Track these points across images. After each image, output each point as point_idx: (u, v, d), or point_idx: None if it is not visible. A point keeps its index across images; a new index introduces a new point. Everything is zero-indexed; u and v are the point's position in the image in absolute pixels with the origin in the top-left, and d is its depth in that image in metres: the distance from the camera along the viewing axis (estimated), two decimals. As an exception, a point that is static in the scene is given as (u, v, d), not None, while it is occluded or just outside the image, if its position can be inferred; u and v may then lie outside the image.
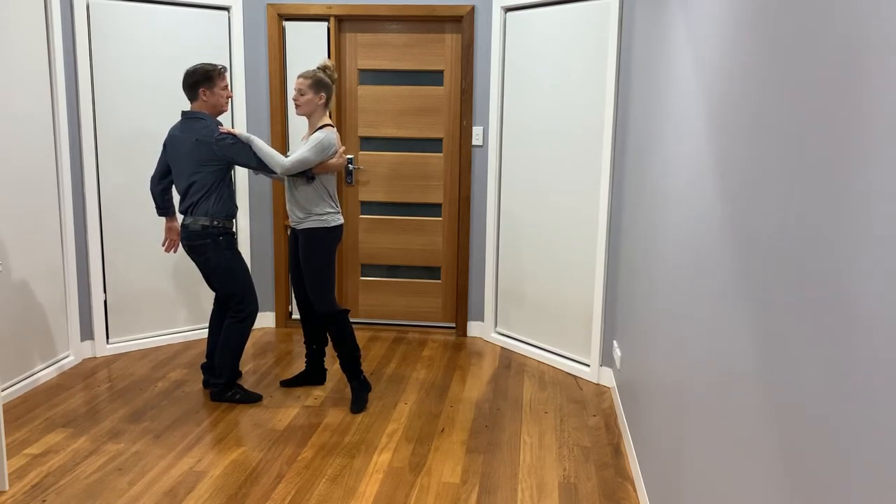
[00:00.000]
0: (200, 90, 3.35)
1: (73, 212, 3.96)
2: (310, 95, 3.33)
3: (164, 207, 3.60)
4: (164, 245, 3.69)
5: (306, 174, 3.33)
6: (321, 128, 3.36)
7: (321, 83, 3.34)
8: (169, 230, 3.66)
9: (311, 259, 3.39)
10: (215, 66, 3.39)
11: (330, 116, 4.49)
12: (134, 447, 3.08)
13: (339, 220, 3.45)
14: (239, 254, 3.52)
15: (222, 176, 3.40)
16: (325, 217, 3.38)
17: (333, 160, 3.35)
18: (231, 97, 3.49)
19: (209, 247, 3.40)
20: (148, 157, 4.17)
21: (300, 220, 3.39)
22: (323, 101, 3.36)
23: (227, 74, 3.42)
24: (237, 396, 3.56)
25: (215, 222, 3.39)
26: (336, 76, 3.43)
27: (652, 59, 2.95)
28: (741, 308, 1.55)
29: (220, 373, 3.54)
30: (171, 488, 2.76)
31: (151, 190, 3.57)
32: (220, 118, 3.50)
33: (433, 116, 4.53)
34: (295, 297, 3.66)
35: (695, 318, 1.99)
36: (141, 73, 4.09)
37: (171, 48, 4.15)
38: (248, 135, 3.35)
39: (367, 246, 4.73)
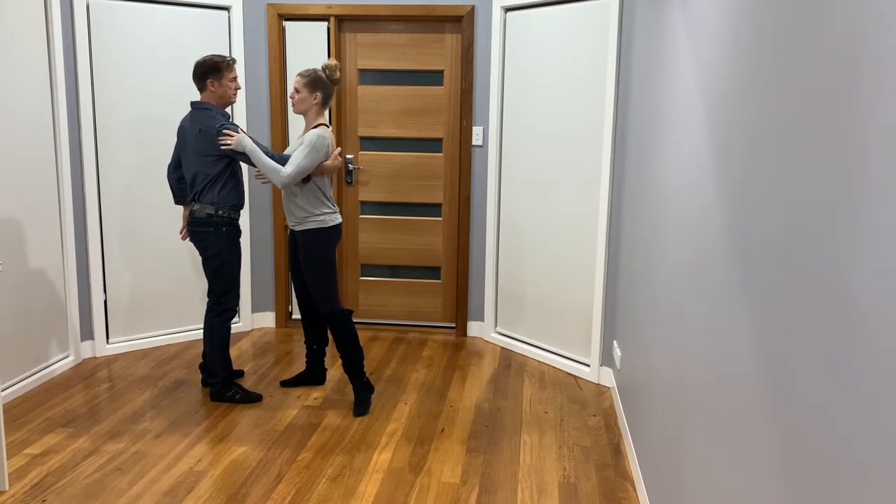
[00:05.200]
0: (209, 80, 3.40)
1: (73, 212, 3.96)
2: (304, 94, 3.32)
3: (179, 195, 3.64)
4: (180, 232, 3.71)
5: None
6: (315, 128, 3.35)
7: (317, 82, 3.32)
8: (185, 218, 3.69)
9: (311, 261, 3.38)
10: (224, 57, 3.44)
11: (330, 116, 4.50)
12: (134, 447, 3.08)
13: (337, 219, 3.43)
14: (238, 249, 3.53)
15: (226, 165, 3.42)
16: (321, 218, 3.36)
17: (328, 162, 3.33)
18: (239, 88, 3.52)
19: (210, 235, 3.44)
20: (148, 157, 4.17)
21: (297, 222, 3.38)
22: (318, 100, 3.33)
23: (236, 66, 3.46)
24: (237, 396, 3.57)
25: (220, 211, 3.43)
26: (338, 76, 3.37)
27: (652, 59, 2.95)
28: (741, 308, 1.55)
29: (215, 371, 3.56)
30: (171, 488, 2.76)
31: (168, 178, 3.62)
32: (227, 110, 3.54)
33: (433, 116, 4.53)
34: (296, 297, 3.66)
35: (695, 317, 1.99)
36: (141, 72, 4.09)
37: (170, 48, 4.15)
38: (251, 144, 3.29)
39: (367, 246, 4.73)
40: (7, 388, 3.52)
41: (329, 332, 3.78)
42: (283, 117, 4.52)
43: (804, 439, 1.17)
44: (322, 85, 3.33)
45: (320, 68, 3.36)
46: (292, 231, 3.47)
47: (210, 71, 3.39)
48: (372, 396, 3.65)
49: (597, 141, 3.81)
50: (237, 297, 3.58)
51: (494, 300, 4.55)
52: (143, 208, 4.20)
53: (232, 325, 3.61)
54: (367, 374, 3.94)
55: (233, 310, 3.57)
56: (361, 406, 3.47)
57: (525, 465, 3.00)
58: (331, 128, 3.41)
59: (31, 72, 3.61)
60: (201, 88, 3.43)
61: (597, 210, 3.84)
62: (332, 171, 3.37)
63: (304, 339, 3.76)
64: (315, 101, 3.33)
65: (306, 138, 3.28)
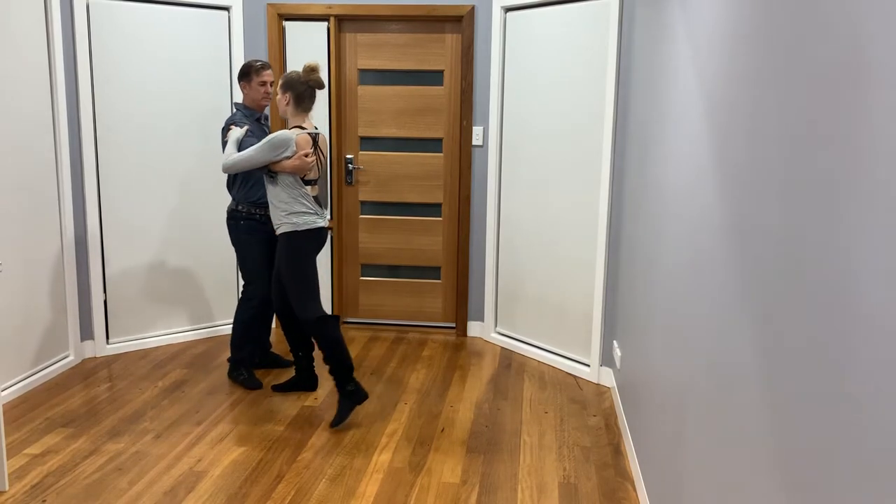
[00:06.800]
0: (241, 83, 3.65)
1: (73, 212, 3.96)
2: (279, 95, 3.31)
3: None
4: None
5: (264, 170, 3.28)
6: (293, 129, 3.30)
7: (288, 83, 3.28)
8: None
9: (284, 265, 3.30)
10: (257, 61, 3.62)
11: (330, 116, 4.49)
12: (134, 447, 3.08)
13: (314, 223, 3.30)
14: (256, 241, 3.65)
15: None
16: (294, 220, 3.26)
17: (289, 161, 3.21)
18: (269, 93, 3.64)
19: (232, 228, 3.69)
20: (148, 157, 4.17)
21: (276, 224, 3.32)
22: (289, 101, 3.28)
23: (269, 71, 3.64)
24: (241, 378, 3.74)
25: (240, 207, 3.63)
26: (313, 77, 3.26)
27: (652, 59, 2.95)
28: (741, 307, 1.55)
29: (232, 349, 3.80)
30: (171, 488, 2.76)
31: None
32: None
33: (433, 116, 4.53)
34: (273, 303, 3.55)
35: (695, 317, 1.99)
36: (141, 72, 4.09)
37: (170, 48, 4.15)
38: (234, 136, 3.39)
39: (367, 246, 4.73)
40: (7, 388, 3.52)
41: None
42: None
43: (804, 439, 1.17)
44: (293, 86, 3.27)
45: (301, 70, 3.31)
46: None
47: (242, 74, 3.62)
48: (371, 396, 3.65)
49: (597, 141, 3.81)
50: (262, 288, 3.68)
51: (494, 300, 4.55)
52: (144, 208, 4.20)
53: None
54: (368, 374, 3.93)
55: (255, 297, 3.69)
56: (337, 416, 3.31)
57: (525, 465, 3.00)
58: (310, 130, 3.28)
59: (32, 72, 3.61)
60: (241, 90, 3.68)
61: (597, 210, 3.84)
62: (296, 172, 3.23)
63: (289, 347, 3.75)
64: (287, 103, 3.30)
65: (269, 135, 3.28)
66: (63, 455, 3.00)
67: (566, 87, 3.94)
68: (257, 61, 3.61)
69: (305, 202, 3.29)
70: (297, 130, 3.26)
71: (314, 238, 3.32)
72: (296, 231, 3.28)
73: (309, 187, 3.32)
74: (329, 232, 3.45)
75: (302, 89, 3.27)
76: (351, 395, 3.34)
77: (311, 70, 3.27)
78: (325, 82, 3.34)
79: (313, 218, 3.31)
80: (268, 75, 3.60)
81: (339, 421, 3.31)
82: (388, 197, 4.66)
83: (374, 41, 4.49)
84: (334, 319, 3.34)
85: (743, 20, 1.63)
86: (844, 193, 1.05)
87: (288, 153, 3.20)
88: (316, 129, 3.36)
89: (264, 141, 3.21)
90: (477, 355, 4.32)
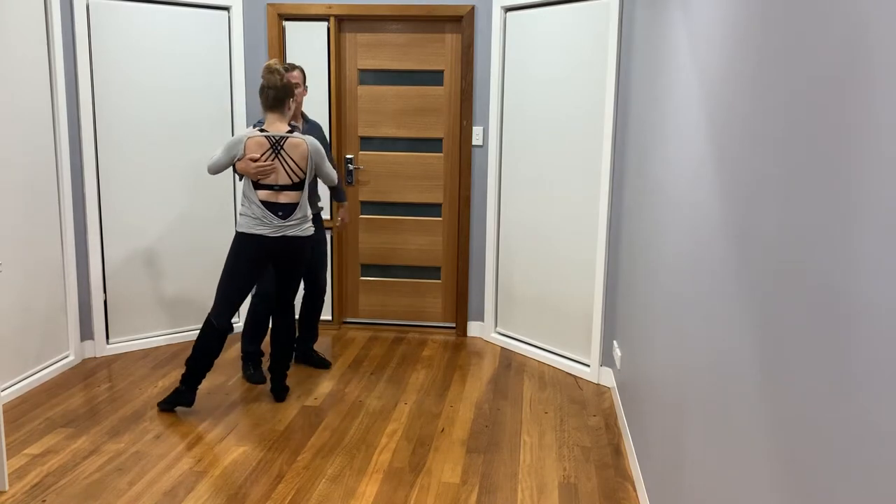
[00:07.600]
0: None
1: (73, 211, 3.96)
2: None
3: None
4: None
5: (234, 167, 3.36)
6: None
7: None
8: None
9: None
10: (285, 63, 3.68)
11: (330, 116, 4.49)
12: (134, 447, 3.08)
13: (251, 228, 3.28)
14: None
15: None
16: (238, 220, 3.35)
17: (238, 163, 3.27)
18: (304, 93, 3.74)
19: None
20: (148, 157, 4.17)
21: None
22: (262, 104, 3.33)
23: (294, 72, 3.68)
24: (247, 373, 3.85)
25: None
26: (267, 76, 3.25)
27: (652, 59, 2.95)
28: (741, 308, 1.55)
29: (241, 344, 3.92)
30: (171, 488, 2.76)
31: None
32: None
33: (433, 116, 4.53)
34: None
35: (695, 317, 1.99)
36: (141, 73, 4.09)
37: (170, 48, 4.15)
38: (239, 135, 3.40)
39: (367, 246, 4.73)
40: (7, 388, 3.52)
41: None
42: (283, 117, 4.52)
43: (803, 439, 1.17)
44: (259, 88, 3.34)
45: None
46: None
47: None
48: (371, 396, 3.65)
49: (597, 141, 3.81)
50: (261, 284, 3.80)
51: (494, 300, 4.55)
52: (144, 208, 4.20)
53: (233, 325, 3.69)
54: (367, 374, 3.93)
55: (258, 294, 3.82)
56: (164, 402, 3.41)
57: (525, 465, 3.00)
58: (270, 133, 3.25)
59: (31, 72, 3.61)
60: None
61: (597, 210, 3.84)
62: (249, 175, 3.25)
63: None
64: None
65: None
66: (63, 455, 3.00)
67: (566, 87, 3.94)
68: (285, 63, 3.66)
69: (253, 205, 3.30)
70: (253, 131, 3.29)
71: (249, 242, 3.30)
72: (236, 230, 3.36)
73: (265, 192, 3.28)
74: (277, 242, 3.32)
75: (264, 89, 3.30)
76: (180, 393, 3.40)
77: (265, 69, 3.29)
78: (280, 81, 3.25)
79: (251, 222, 3.29)
80: (292, 77, 3.61)
81: (163, 406, 3.42)
82: (388, 197, 4.66)
83: (374, 41, 4.49)
84: (222, 334, 3.34)
85: (743, 20, 1.63)
86: (844, 192, 1.05)
87: (238, 155, 3.27)
88: (290, 132, 3.31)
89: (225, 143, 3.31)
90: (477, 355, 4.32)
